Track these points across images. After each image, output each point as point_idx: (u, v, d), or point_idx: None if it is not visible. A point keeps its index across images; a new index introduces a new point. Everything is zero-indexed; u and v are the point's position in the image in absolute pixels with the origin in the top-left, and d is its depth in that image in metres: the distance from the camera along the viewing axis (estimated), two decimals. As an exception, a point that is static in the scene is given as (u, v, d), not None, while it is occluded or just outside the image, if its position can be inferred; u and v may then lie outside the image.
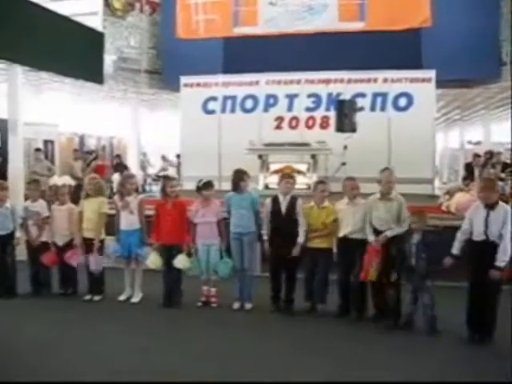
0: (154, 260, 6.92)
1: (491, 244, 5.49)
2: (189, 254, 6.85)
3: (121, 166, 15.93)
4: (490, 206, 5.56)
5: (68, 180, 11.94)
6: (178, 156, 16.00)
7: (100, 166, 13.63)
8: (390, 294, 6.18)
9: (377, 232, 6.22)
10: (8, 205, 7.36)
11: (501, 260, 5.44)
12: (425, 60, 12.40)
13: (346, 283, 6.45)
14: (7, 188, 7.53)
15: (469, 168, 12.07)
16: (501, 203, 5.62)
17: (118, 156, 18.36)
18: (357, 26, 12.76)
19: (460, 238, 5.78)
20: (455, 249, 5.75)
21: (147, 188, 18.68)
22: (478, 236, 5.58)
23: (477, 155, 12.80)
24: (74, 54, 10.87)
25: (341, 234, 6.48)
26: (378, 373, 4.88)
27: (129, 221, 7.12)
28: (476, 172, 11.22)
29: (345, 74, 11.85)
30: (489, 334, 5.63)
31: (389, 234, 6.12)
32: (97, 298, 7.20)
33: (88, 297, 7.22)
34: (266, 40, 12.90)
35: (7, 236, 7.28)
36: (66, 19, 10.80)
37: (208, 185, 6.89)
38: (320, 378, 4.78)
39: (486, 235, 5.51)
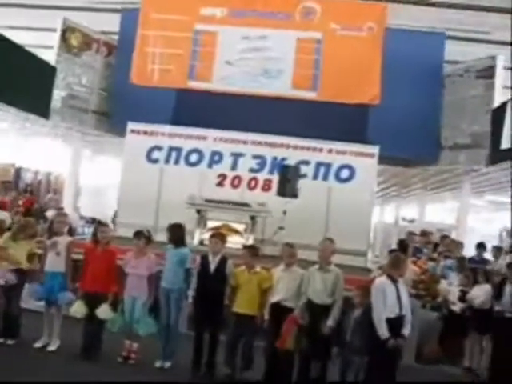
0: (77, 309, 6.63)
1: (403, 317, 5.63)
2: (113, 305, 6.58)
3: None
4: (396, 281, 5.71)
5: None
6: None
7: (28, 200, 13.26)
8: (316, 365, 6.13)
9: (311, 304, 6.18)
10: None
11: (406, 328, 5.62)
12: (370, 135, 12.72)
13: (274, 350, 6.30)
14: None
15: (402, 244, 12.24)
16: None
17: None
18: (309, 95, 12.99)
19: (383, 318, 5.57)
20: (385, 331, 5.50)
21: (79, 230, 18.00)
22: (392, 312, 5.59)
23: (411, 233, 13.02)
24: (23, 84, 10.62)
25: (273, 300, 6.40)
26: None
27: (54, 262, 6.85)
28: (410, 250, 11.35)
29: (291, 140, 11.99)
30: None
31: (331, 323, 6.05)
32: (10, 342, 6.78)
33: (1, 340, 6.79)
34: (218, 97, 12.94)
35: None
36: (19, 48, 10.58)
37: (139, 234, 6.70)
38: None
39: (400, 309, 5.61)
